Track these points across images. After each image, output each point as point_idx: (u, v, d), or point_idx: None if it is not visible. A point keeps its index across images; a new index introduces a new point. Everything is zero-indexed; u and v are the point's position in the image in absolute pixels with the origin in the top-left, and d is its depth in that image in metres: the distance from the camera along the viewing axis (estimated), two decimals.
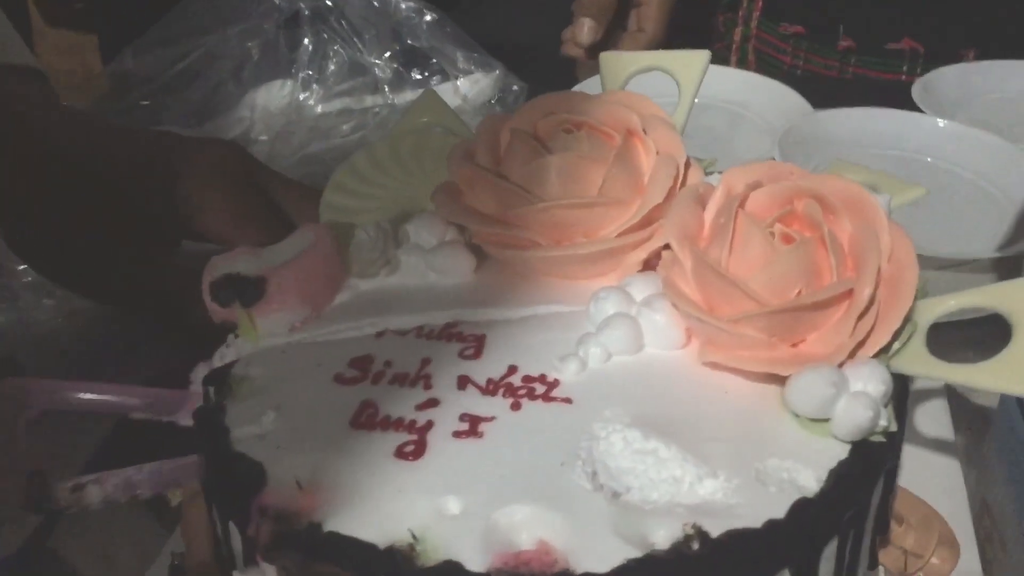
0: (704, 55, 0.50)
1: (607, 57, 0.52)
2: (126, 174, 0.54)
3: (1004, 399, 0.46)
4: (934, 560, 0.43)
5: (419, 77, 0.81)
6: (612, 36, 0.89)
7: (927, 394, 0.54)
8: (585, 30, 0.85)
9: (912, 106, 0.71)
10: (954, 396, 0.55)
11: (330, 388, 0.38)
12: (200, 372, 0.42)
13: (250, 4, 0.81)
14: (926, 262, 0.55)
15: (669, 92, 0.50)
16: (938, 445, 0.52)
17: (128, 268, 0.52)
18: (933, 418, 0.53)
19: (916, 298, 0.39)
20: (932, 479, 0.49)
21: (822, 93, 0.72)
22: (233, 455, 0.35)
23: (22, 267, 0.61)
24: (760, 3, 0.91)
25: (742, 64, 0.91)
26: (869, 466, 0.35)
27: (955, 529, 0.46)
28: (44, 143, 0.55)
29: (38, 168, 0.54)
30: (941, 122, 0.67)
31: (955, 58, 0.85)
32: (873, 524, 0.37)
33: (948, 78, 0.75)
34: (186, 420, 0.40)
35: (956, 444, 0.52)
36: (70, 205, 0.54)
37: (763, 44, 0.92)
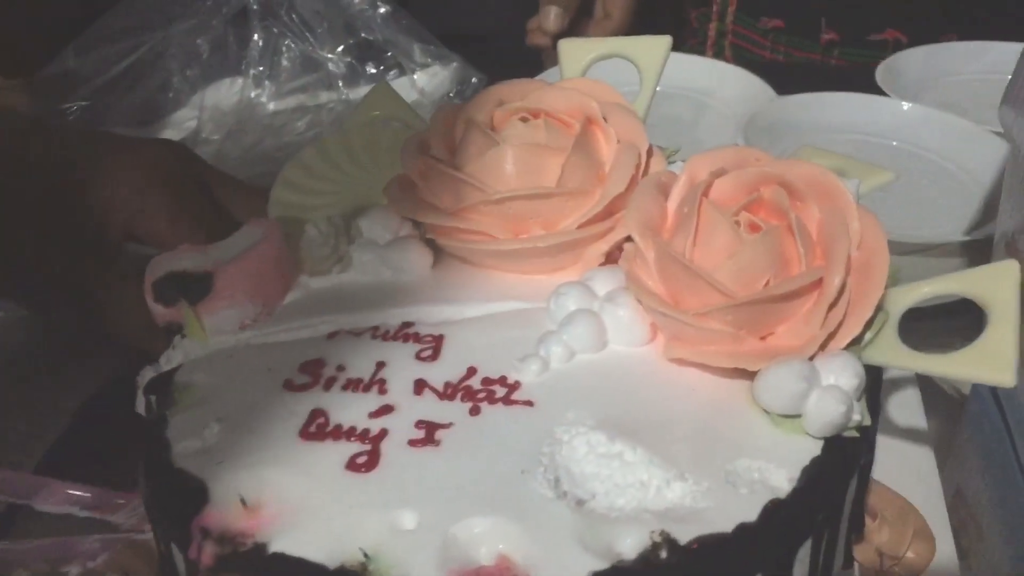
0: (666, 41, 0.49)
1: (566, 44, 0.50)
2: (51, 177, 0.51)
3: (977, 386, 0.44)
4: (910, 555, 0.42)
5: (374, 71, 0.79)
6: (579, 24, 0.88)
7: (898, 383, 0.53)
8: (552, 17, 0.84)
9: (877, 89, 0.70)
10: (926, 383, 0.54)
11: (279, 396, 0.36)
12: (146, 375, 0.40)
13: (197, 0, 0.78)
14: (893, 247, 0.54)
15: (631, 81, 0.48)
16: (910, 435, 0.50)
17: (60, 277, 0.49)
18: (905, 407, 0.52)
19: (888, 286, 0.37)
20: (905, 470, 0.47)
21: (796, 80, 0.70)
22: (173, 472, 0.33)
23: None
24: None
25: (718, 59, 0.90)
26: (843, 463, 0.33)
27: (930, 519, 0.45)
28: None
29: None
30: (906, 105, 0.66)
31: None
32: (848, 522, 0.36)
33: (912, 60, 0.74)
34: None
35: (929, 433, 0.50)
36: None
37: (740, 39, 0.91)
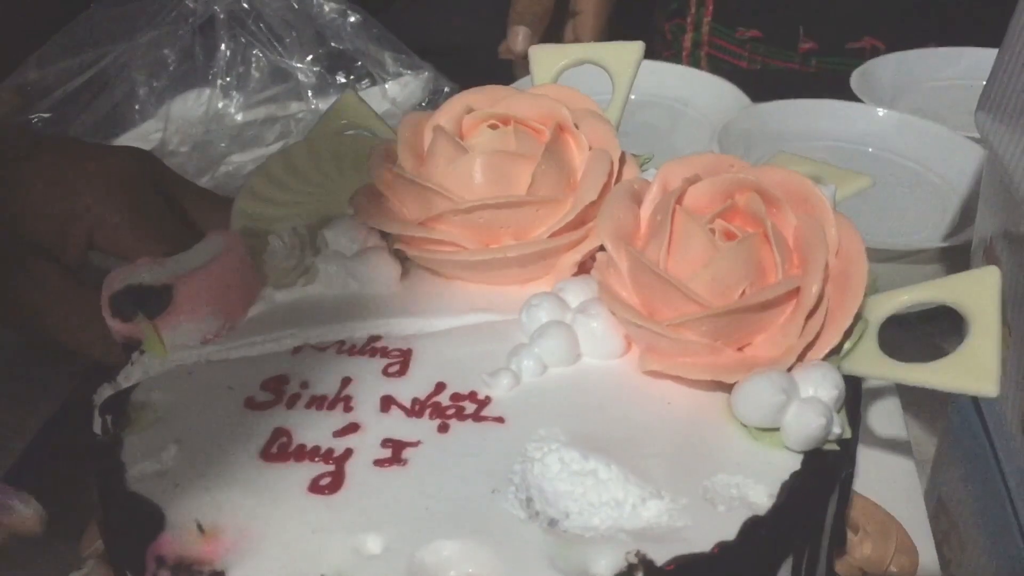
0: (638, 46, 0.48)
1: (537, 51, 0.49)
2: (8, 185, 0.49)
3: (957, 395, 0.44)
4: (892, 569, 0.41)
5: (345, 81, 0.77)
6: (550, 39, 0.87)
7: (878, 392, 0.52)
8: (520, 38, 0.83)
9: (853, 96, 0.69)
10: (905, 392, 0.53)
11: (240, 415, 0.35)
12: (104, 393, 0.38)
13: (162, 9, 0.76)
14: (870, 255, 0.53)
15: (605, 89, 0.47)
16: (891, 445, 0.49)
17: (18, 288, 0.47)
18: (885, 417, 0.51)
19: (866, 294, 0.36)
20: (886, 481, 0.46)
21: (771, 88, 0.70)
22: (128, 496, 0.32)
23: None
24: (711, 8, 0.89)
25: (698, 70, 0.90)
26: (823, 478, 0.32)
27: (911, 530, 0.44)
28: None
29: None
30: (881, 111, 0.66)
31: None
32: (829, 537, 0.35)
33: (886, 66, 0.74)
34: None
35: (910, 443, 0.50)
36: None
37: (717, 49, 0.91)
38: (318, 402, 0.35)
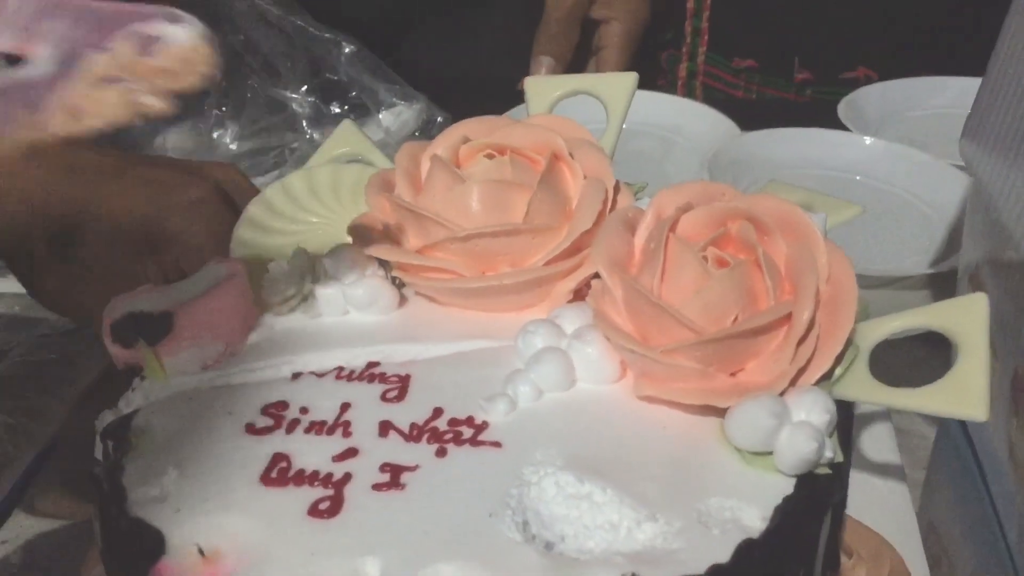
0: (631, 77, 0.49)
1: (532, 81, 0.50)
2: (109, 215, 0.53)
3: (946, 419, 0.44)
4: None
5: (339, 111, 0.78)
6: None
7: (871, 417, 0.53)
8: (544, 70, 0.84)
9: (841, 125, 0.70)
10: (898, 417, 0.53)
11: (240, 440, 0.35)
12: (105, 419, 0.39)
13: None
14: (858, 281, 0.54)
15: (599, 118, 0.48)
16: (884, 470, 0.50)
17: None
18: (878, 442, 0.52)
19: (857, 320, 0.37)
20: (880, 506, 0.47)
21: (762, 117, 0.71)
22: (129, 520, 0.32)
23: None
24: (706, 38, 0.91)
25: (689, 99, 0.91)
26: (816, 501, 0.33)
27: (906, 554, 0.44)
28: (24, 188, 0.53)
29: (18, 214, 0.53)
30: (868, 140, 0.67)
31: None
32: (823, 560, 0.35)
33: (872, 96, 0.75)
34: None
35: (902, 468, 0.50)
36: (54, 247, 0.54)
37: (712, 79, 0.92)
38: (317, 427, 0.36)
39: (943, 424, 0.45)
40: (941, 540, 0.44)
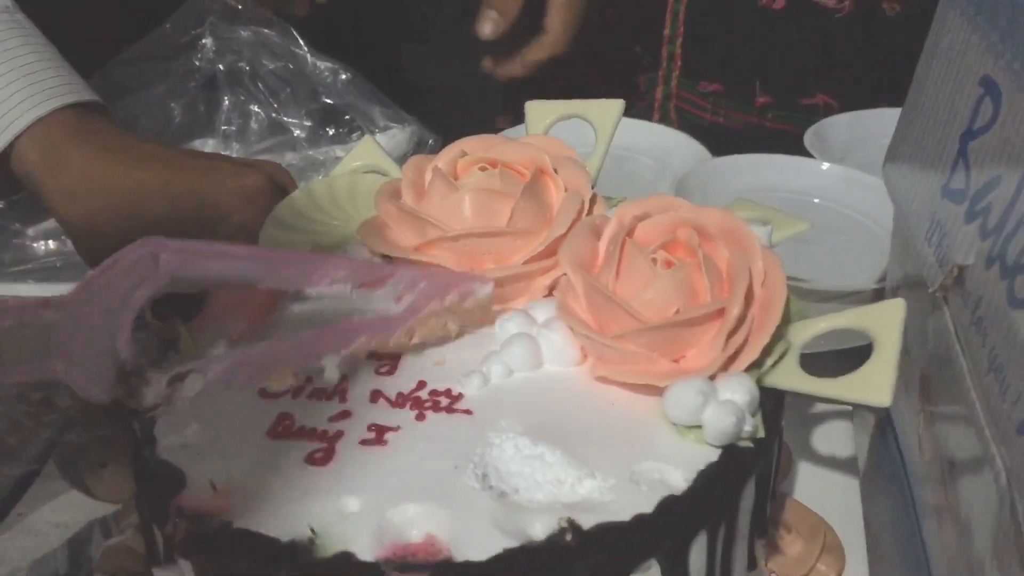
0: (619, 104, 0.55)
1: (532, 106, 0.56)
2: (179, 198, 0.61)
3: (882, 417, 0.49)
4: (820, 567, 0.46)
5: (335, 133, 0.85)
6: (520, 42, 0.91)
7: (831, 416, 0.58)
8: (488, 24, 0.85)
9: (807, 152, 0.76)
10: (859, 418, 0.58)
11: (254, 401, 0.41)
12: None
13: (169, 67, 0.85)
14: (813, 294, 0.59)
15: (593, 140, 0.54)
16: (838, 464, 0.55)
17: None
18: (836, 438, 0.56)
19: (792, 320, 0.42)
20: (830, 495, 0.52)
21: (734, 143, 0.77)
22: (158, 462, 0.38)
23: None
24: (679, 63, 0.96)
25: (664, 122, 0.97)
26: (737, 468, 0.38)
27: (848, 540, 0.49)
28: (101, 172, 0.61)
29: (95, 196, 0.61)
30: (826, 166, 0.73)
31: None
32: (749, 526, 0.40)
33: (837, 126, 0.80)
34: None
35: (856, 463, 0.55)
36: (129, 226, 0.60)
37: (684, 102, 0.97)
38: (319, 393, 0.42)
39: (881, 422, 0.50)
40: (872, 529, 0.49)
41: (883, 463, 0.48)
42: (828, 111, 0.87)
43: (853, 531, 0.50)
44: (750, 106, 0.93)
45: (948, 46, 0.45)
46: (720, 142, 0.76)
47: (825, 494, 0.52)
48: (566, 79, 0.91)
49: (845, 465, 0.55)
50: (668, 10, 0.96)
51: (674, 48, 0.96)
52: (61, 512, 0.52)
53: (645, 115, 0.97)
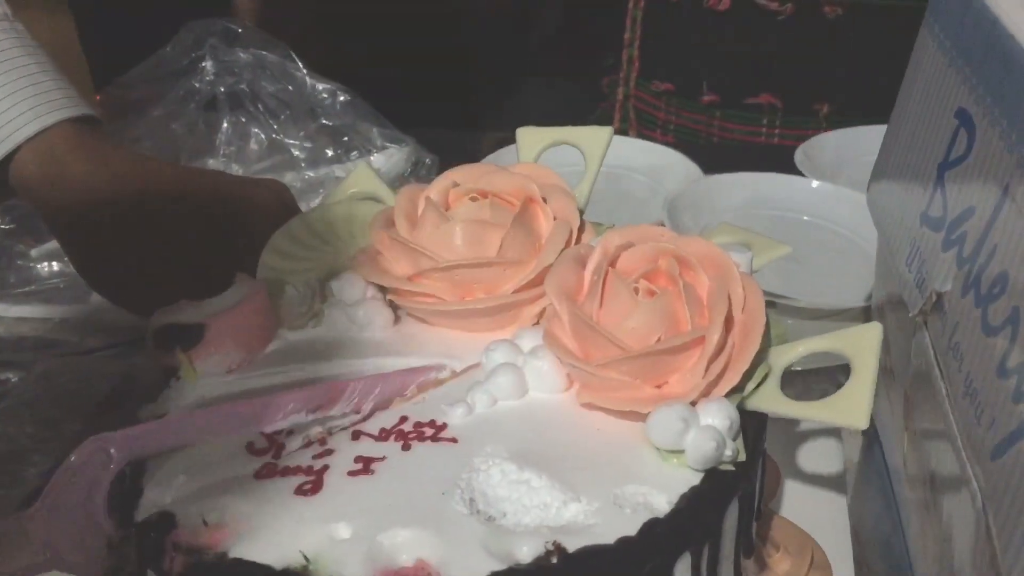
0: (608, 131, 0.56)
1: (523, 132, 0.58)
2: (181, 216, 0.61)
3: (870, 437, 0.50)
4: None
5: (333, 154, 0.86)
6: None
7: (819, 434, 0.59)
8: None
9: (794, 169, 0.77)
10: (847, 437, 0.59)
11: (239, 455, 0.42)
12: (146, 412, 0.46)
13: (171, 89, 0.86)
14: (803, 312, 0.60)
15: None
16: (827, 481, 0.56)
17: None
18: (824, 456, 0.57)
19: (772, 344, 0.44)
20: (818, 512, 0.53)
21: (729, 161, 0.78)
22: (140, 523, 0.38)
23: None
24: (637, 64, 0.99)
25: (625, 122, 1.00)
26: (719, 491, 0.39)
27: (836, 556, 0.50)
28: (102, 189, 0.61)
29: (95, 211, 0.61)
30: (816, 183, 0.74)
31: (810, 112, 0.92)
32: (735, 545, 0.41)
33: (828, 144, 0.82)
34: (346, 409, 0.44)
35: (844, 480, 0.56)
36: (129, 242, 0.62)
37: (640, 102, 1.00)
38: (303, 443, 0.42)
39: (869, 439, 0.51)
40: (861, 543, 0.50)
41: (871, 480, 0.49)
42: (772, 110, 0.90)
43: (840, 548, 0.51)
44: (697, 104, 0.95)
45: (926, 77, 0.47)
46: (713, 159, 0.78)
47: (813, 511, 0.53)
48: (543, 88, 0.93)
49: (833, 482, 0.56)
50: (628, 15, 0.98)
51: (633, 51, 0.99)
52: None
53: (608, 115, 1.00)
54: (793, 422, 0.58)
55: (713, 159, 0.79)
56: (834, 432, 0.59)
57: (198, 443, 0.42)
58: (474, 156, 0.78)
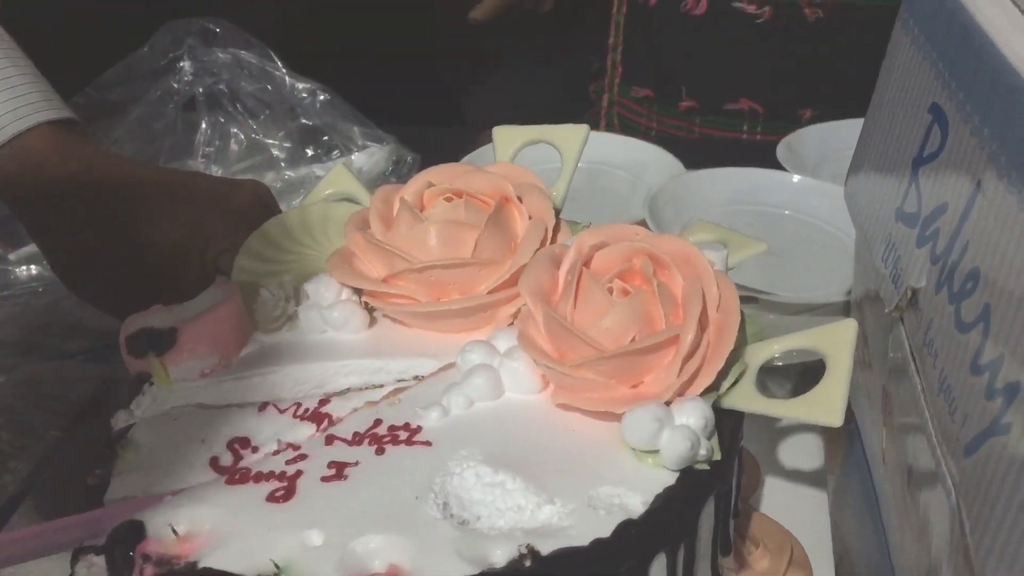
0: (584, 129, 0.56)
1: (499, 131, 0.57)
2: (160, 218, 0.61)
3: (851, 434, 0.50)
4: None
5: (313, 153, 0.86)
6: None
7: (800, 429, 0.59)
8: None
9: (777, 166, 0.77)
10: (829, 435, 0.59)
11: (203, 470, 0.42)
12: (121, 418, 0.46)
13: (148, 90, 0.86)
14: (783, 307, 0.60)
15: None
16: (807, 477, 0.56)
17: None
18: (805, 452, 0.57)
19: (748, 343, 0.43)
20: (800, 510, 0.53)
21: (710, 157, 0.78)
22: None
23: None
24: (620, 70, 0.98)
25: (610, 128, 1.00)
26: (694, 491, 0.39)
27: (816, 552, 0.50)
28: (81, 190, 0.61)
29: (75, 213, 0.61)
30: (797, 178, 0.74)
31: (793, 117, 0.92)
32: (712, 543, 0.41)
33: (810, 138, 0.81)
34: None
35: (825, 477, 0.56)
36: (108, 244, 0.62)
37: (623, 108, 1.00)
38: (271, 453, 0.42)
39: (850, 434, 0.51)
40: (843, 540, 0.50)
41: (852, 474, 0.49)
42: (753, 116, 0.89)
43: (820, 545, 0.51)
44: (675, 110, 0.95)
45: (901, 72, 0.47)
46: (696, 155, 0.78)
47: (793, 508, 0.53)
48: (528, 95, 0.93)
49: (813, 478, 0.56)
50: (612, 20, 0.98)
51: (616, 56, 0.98)
52: None
53: (594, 121, 1.00)
54: (773, 418, 0.58)
55: (695, 155, 0.78)
56: (815, 428, 0.59)
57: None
58: (457, 154, 0.78)
